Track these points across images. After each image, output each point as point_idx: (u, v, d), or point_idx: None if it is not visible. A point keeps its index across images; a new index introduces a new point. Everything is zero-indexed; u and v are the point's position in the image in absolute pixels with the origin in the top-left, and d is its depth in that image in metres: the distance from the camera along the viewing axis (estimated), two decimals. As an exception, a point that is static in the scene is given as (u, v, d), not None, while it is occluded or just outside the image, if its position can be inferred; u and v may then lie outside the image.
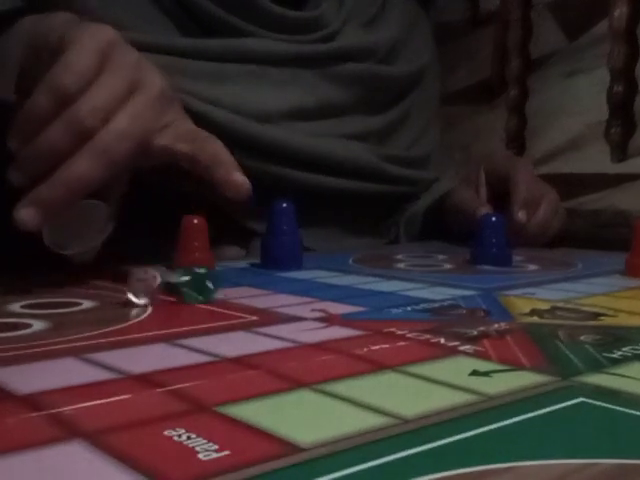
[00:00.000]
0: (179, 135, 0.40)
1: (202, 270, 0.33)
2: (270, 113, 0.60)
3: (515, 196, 0.60)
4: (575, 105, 0.82)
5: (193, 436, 0.18)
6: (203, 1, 0.59)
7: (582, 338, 0.29)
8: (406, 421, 0.19)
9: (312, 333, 0.30)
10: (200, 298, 0.33)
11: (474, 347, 0.27)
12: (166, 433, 0.18)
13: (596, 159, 0.80)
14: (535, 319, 0.33)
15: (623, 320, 0.33)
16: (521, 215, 0.59)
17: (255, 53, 0.60)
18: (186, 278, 0.33)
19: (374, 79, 0.69)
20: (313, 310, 0.34)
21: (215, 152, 0.40)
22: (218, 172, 0.39)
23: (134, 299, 0.33)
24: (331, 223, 0.67)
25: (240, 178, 0.39)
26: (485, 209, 0.56)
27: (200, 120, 0.55)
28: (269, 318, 0.32)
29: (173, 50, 0.57)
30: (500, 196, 0.63)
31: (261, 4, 0.61)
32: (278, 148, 0.59)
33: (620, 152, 0.78)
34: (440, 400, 0.21)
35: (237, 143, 0.56)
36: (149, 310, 0.33)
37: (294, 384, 0.22)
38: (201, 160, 0.39)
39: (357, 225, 0.70)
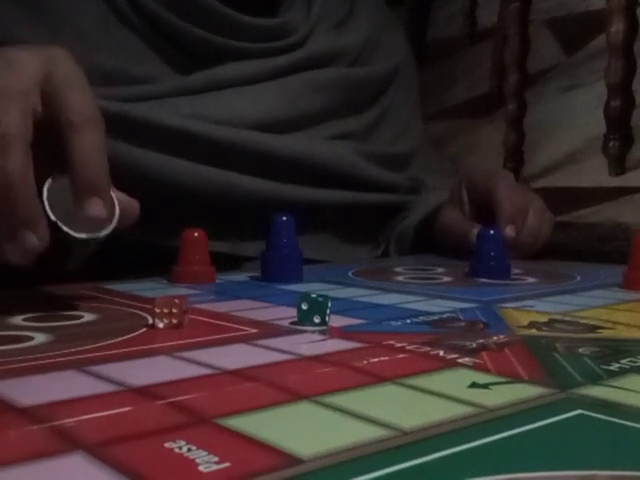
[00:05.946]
0: None
1: (322, 298, 0.33)
2: (248, 125, 0.60)
3: (500, 214, 0.60)
4: (573, 119, 0.83)
5: (193, 448, 0.18)
6: (173, 18, 0.59)
7: (580, 350, 0.29)
8: (405, 433, 0.19)
9: (312, 345, 0.30)
10: (317, 322, 0.33)
11: (473, 359, 0.27)
12: (167, 445, 0.18)
13: (594, 173, 0.80)
14: (533, 332, 0.33)
15: (621, 332, 0.33)
16: (509, 231, 0.59)
17: (229, 79, 0.61)
18: (307, 306, 0.33)
19: (352, 82, 0.70)
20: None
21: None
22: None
23: (160, 325, 0.32)
24: (321, 234, 0.67)
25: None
26: (476, 231, 0.56)
27: (177, 133, 0.55)
28: (269, 331, 0.32)
29: (155, 94, 0.57)
30: (486, 209, 0.63)
31: (229, 15, 0.61)
32: (254, 151, 0.59)
33: (618, 166, 0.79)
34: (439, 412, 0.21)
35: (216, 151, 0.57)
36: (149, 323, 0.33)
37: (294, 396, 0.23)
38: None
39: (347, 237, 0.70)
